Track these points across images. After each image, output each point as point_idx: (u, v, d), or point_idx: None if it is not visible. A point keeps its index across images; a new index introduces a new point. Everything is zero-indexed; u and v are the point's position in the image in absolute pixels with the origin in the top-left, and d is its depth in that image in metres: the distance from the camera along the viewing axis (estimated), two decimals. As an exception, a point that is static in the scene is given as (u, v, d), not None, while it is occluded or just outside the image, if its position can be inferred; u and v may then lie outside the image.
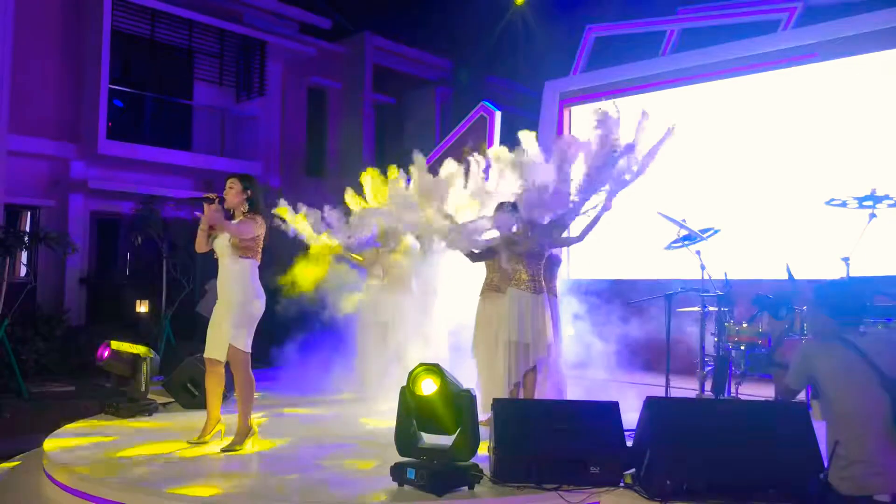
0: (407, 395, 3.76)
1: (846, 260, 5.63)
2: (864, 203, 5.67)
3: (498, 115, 8.67)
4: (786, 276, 5.61)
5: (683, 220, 6.44)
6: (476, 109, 8.93)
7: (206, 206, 4.66)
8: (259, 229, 4.64)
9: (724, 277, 6.27)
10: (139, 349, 5.90)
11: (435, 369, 3.69)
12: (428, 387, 3.67)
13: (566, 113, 10.99)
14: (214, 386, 4.70)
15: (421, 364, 3.79)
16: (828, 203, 6.03)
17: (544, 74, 11.55)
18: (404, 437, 3.82)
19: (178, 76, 13.38)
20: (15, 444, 5.67)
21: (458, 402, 3.70)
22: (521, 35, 14.89)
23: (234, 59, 13.78)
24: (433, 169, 6.32)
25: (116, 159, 11.89)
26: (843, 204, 5.86)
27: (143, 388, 5.73)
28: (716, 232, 6.56)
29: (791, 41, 8.87)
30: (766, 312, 5.89)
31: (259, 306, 4.65)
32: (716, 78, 9.43)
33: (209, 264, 5.16)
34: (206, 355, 4.67)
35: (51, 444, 4.66)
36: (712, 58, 9.44)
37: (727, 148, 9.05)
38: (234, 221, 4.67)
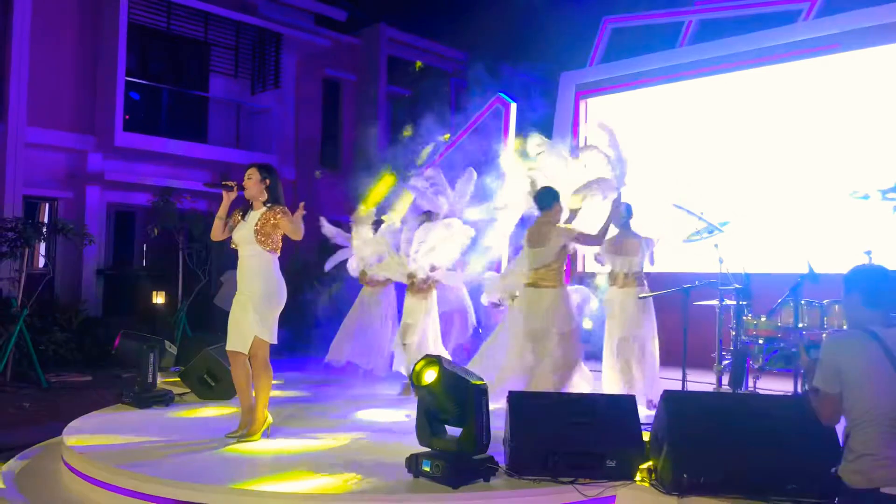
0: (416, 389, 3.77)
1: (868, 253, 5.56)
2: (888, 195, 5.59)
3: (513, 106, 8.61)
4: (807, 271, 5.54)
5: (701, 213, 6.37)
6: (491, 101, 8.88)
7: (224, 193, 4.64)
8: (289, 214, 4.61)
9: (741, 271, 6.20)
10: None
11: (435, 360, 3.69)
12: (429, 378, 3.67)
13: (582, 105, 10.91)
14: (242, 378, 4.64)
15: (425, 356, 3.80)
16: (851, 196, 5.95)
17: (560, 66, 11.47)
18: (423, 428, 3.82)
19: (193, 68, 13.43)
20: (34, 434, 5.72)
21: (464, 394, 3.69)
22: (536, 26, 14.79)
23: (249, 52, 13.81)
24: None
25: (133, 151, 11.96)
26: (866, 197, 5.78)
27: (149, 379, 5.75)
28: (725, 224, 6.46)
29: (811, 32, 8.74)
30: (789, 303, 5.88)
31: (282, 297, 4.63)
32: (734, 69, 9.31)
33: (225, 255, 5.18)
34: (228, 348, 4.62)
35: (69, 433, 4.70)
36: (730, 49, 9.32)
37: (746, 140, 8.95)
38: (258, 211, 4.60)
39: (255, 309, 4.50)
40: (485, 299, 6.29)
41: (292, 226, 4.51)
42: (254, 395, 4.63)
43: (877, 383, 2.76)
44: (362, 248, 6.83)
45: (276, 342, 4.61)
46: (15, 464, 4.64)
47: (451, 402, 3.67)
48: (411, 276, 6.33)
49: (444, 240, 6.13)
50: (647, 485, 3.66)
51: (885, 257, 5.72)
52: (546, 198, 5.28)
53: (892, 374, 2.74)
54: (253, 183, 4.61)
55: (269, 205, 4.61)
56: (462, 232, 6.15)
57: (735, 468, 3.48)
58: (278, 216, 4.56)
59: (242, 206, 4.71)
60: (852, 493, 2.78)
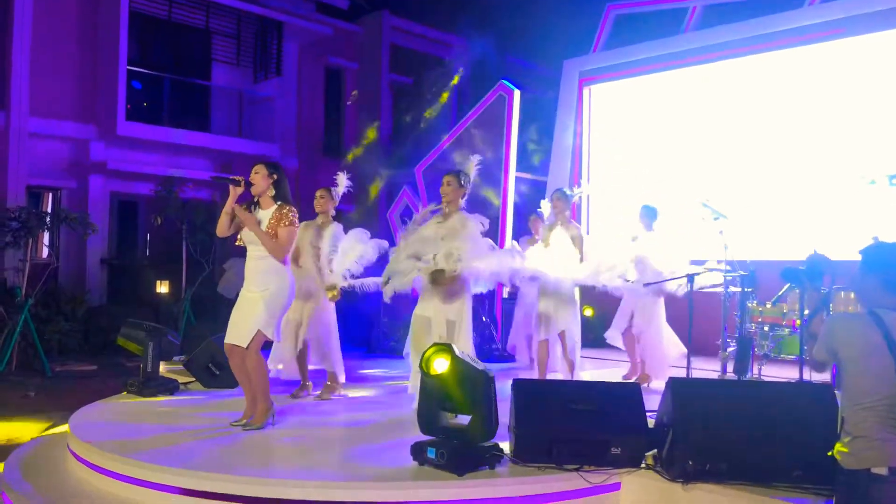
0: (423, 376, 3.76)
1: (875, 239, 5.52)
2: (895, 181, 5.56)
3: (517, 94, 8.55)
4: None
5: (707, 201, 6.34)
6: (494, 89, 8.82)
7: (231, 188, 4.58)
8: (295, 226, 4.53)
9: (747, 258, 6.19)
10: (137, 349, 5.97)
11: (447, 348, 3.68)
12: (440, 366, 3.66)
13: (586, 92, 10.86)
14: (241, 370, 4.60)
15: (435, 344, 3.78)
16: (858, 181, 5.92)
17: (563, 53, 11.41)
18: (426, 416, 3.82)
19: (195, 57, 13.40)
20: (40, 423, 5.75)
21: (474, 382, 3.68)
22: (540, 13, 14.70)
23: (251, 40, 13.76)
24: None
25: (135, 141, 11.96)
26: (873, 182, 5.75)
27: (149, 368, 5.76)
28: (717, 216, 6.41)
29: (817, 16, 8.66)
30: (794, 290, 5.82)
31: (292, 295, 4.61)
32: (739, 55, 9.25)
33: (229, 244, 5.12)
34: (227, 341, 4.57)
35: (75, 421, 4.71)
36: (735, 34, 9.25)
37: (751, 126, 8.90)
38: (268, 210, 4.53)
39: (265, 307, 4.45)
40: (388, 292, 5.34)
41: (279, 241, 4.40)
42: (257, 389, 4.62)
43: (873, 367, 2.74)
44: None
45: (273, 339, 4.58)
46: (21, 453, 4.65)
47: (461, 390, 3.66)
48: (331, 287, 5.60)
49: (355, 245, 5.67)
50: (651, 472, 3.66)
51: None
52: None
53: (889, 359, 2.72)
54: (260, 178, 4.54)
55: (279, 203, 4.54)
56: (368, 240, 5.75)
57: (740, 455, 3.47)
58: (284, 223, 4.46)
59: (247, 202, 4.65)
60: (845, 473, 2.79)
